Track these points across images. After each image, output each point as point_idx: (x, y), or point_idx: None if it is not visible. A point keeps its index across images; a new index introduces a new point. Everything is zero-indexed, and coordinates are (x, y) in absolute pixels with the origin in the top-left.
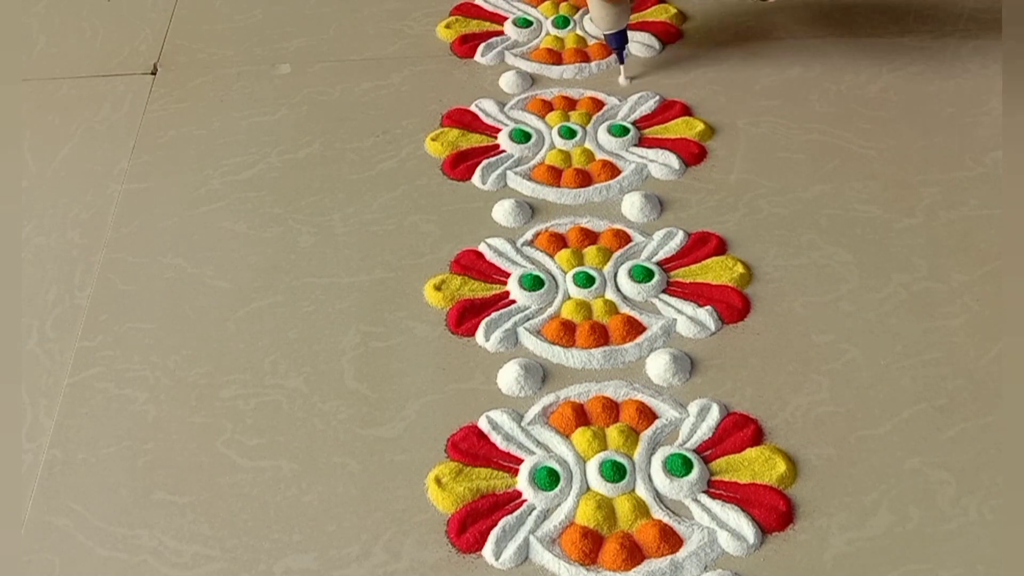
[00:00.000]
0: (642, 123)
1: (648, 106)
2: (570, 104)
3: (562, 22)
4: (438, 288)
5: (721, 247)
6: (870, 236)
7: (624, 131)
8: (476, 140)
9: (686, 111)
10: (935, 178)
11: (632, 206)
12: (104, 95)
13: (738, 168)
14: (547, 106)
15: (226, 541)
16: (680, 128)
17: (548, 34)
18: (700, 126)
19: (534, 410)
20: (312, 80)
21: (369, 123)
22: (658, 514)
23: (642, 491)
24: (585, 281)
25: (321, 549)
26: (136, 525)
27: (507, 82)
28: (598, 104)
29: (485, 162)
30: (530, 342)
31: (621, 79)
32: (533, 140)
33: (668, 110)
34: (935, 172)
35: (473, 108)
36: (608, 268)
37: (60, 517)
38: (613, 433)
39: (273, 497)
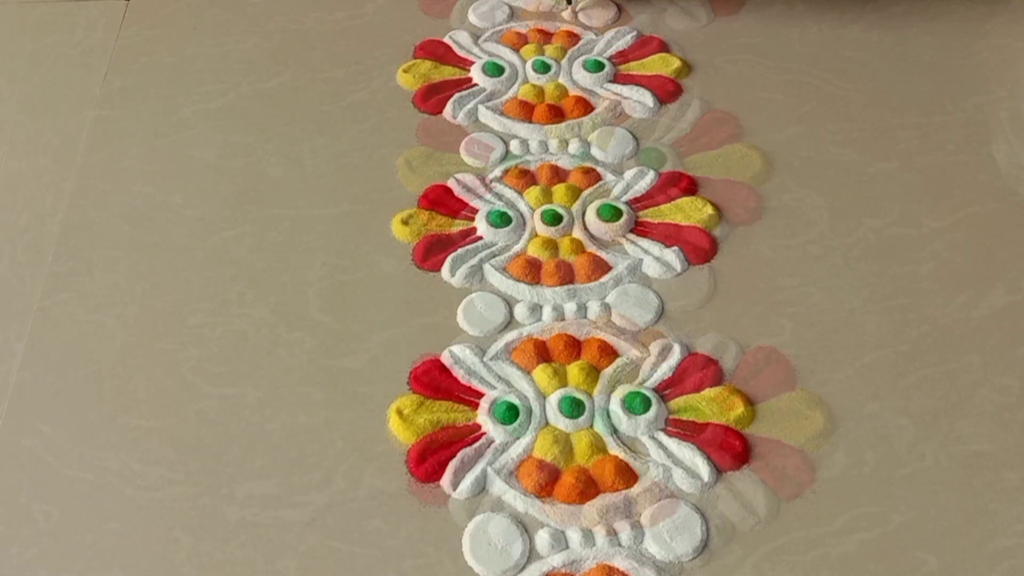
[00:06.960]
0: (617, 59)
1: (625, 41)
2: (545, 37)
3: None
4: (405, 223)
5: (692, 187)
6: (843, 179)
7: (599, 67)
8: (449, 73)
9: (663, 47)
10: (913, 122)
11: (603, 143)
12: (77, 20)
13: (714, 107)
14: (522, 39)
15: (190, 465)
16: (656, 65)
17: None
18: (676, 63)
19: (496, 346)
20: (284, 8)
21: (341, 53)
22: (615, 450)
23: (600, 427)
24: (553, 219)
25: (283, 475)
26: (102, 448)
27: (481, 13)
28: (574, 38)
29: (457, 96)
30: (495, 279)
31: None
32: (507, 74)
33: (645, 46)
34: (913, 116)
35: (447, 40)
36: (576, 207)
37: (29, 438)
38: (574, 371)
39: (237, 424)
